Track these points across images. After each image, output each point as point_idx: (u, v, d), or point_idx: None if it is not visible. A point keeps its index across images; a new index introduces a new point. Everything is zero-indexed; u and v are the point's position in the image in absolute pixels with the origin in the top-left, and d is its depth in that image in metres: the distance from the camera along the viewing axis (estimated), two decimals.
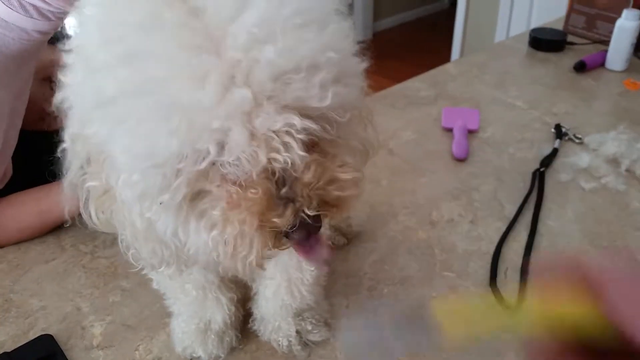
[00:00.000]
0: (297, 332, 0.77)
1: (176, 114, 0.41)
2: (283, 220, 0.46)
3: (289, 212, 0.46)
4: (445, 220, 1.00)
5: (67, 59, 0.47)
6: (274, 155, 0.44)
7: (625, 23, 1.48)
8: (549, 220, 1.00)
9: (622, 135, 1.17)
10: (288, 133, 0.43)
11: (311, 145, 0.47)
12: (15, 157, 0.92)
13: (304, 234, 0.48)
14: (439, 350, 0.76)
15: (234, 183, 0.46)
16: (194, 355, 0.76)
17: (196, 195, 0.47)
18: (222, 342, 0.77)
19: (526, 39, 1.71)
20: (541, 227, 0.98)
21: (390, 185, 1.10)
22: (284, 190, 0.46)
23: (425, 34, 5.03)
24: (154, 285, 0.76)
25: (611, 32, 1.54)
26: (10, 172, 0.92)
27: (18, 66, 0.85)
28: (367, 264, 0.91)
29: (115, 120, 0.43)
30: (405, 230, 0.98)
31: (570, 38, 1.69)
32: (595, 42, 1.68)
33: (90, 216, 0.55)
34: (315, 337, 0.77)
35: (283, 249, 0.51)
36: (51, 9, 0.75)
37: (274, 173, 0.46)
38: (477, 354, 0.76)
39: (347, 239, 0.95)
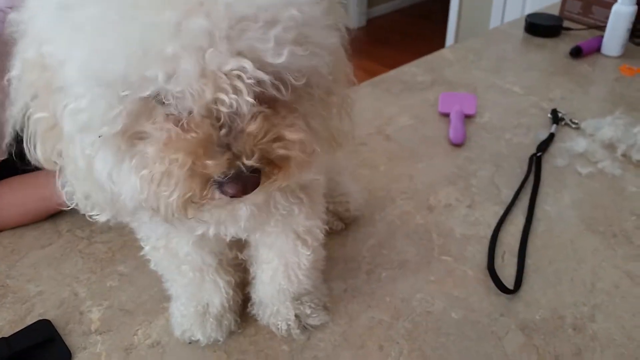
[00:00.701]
0: (296, 316, 0.77)
1: (134, 33, 0.40)
2: (217, 166, 0.45)
3: (224, 158, 0.45)
4: (442, 205, 1.00)
5: None
6: (220, 95, 0.42)
7: (622, 8, 1.47)
8: (546, 205, 1.00)
9: (618, 120, 1.17)
10: (239, 77, 0.42)
11: (262, 101, 0.46)
12: None
13: (238, 187, 0.46)
14: (438, 332, 0.76)
15: (176, 123, 0.45)
16: (193, 338, 0.76)
17: (134, 137, 0.46)
18: (221, 326, 0.77)
19: (522, 24, 1.71)
20: (538, 212, 0.98)
21: (388, 171, 1.10)
22: (222, 133, 0.44)
23: (420, 20, 5.01)
24: (152, 266, 0.75)
25: (607, 17, 1.54)
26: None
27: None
28: (365, 248, 0.91)
29: (75, 28, 0.42)
30: (403, 215, 0.98)
31: (566, 23, 1.69)
32: (591, 27, 1.67)
33: (33, 150, 0.53)
34: (314, 321, 0.77)
35: (213, 202, 0.49)
36: None
37: (218, 119, 0.44)
38: (476, 337, 0.76)
39: (345, 224, 0.95)
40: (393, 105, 1.33)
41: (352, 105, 0.60)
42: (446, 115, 1.26)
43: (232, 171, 0.45)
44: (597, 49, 1.56)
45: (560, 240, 0.92)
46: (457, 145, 1.16)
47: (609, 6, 1.61)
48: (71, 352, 0.75)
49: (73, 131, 0.47)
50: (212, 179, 0.45)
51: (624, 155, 1.11)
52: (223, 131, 0.44)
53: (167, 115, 0.45)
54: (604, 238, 0.93)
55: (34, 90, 0.49)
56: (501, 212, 0.97)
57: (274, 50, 0.42)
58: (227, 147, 0.45)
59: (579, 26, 1.70)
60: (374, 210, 0.99)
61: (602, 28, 1.58)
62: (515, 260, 0.88)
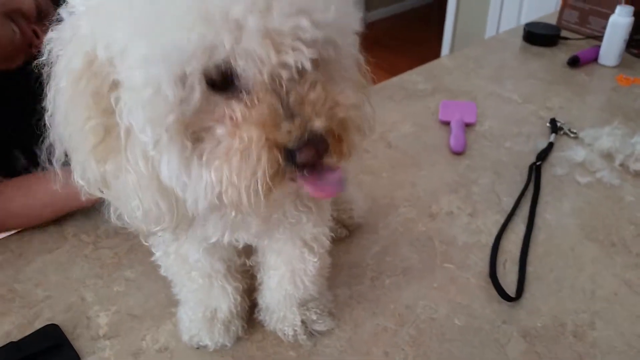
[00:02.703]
0: (302, 322, 0.78)
1: (195, 6, 0.41)
2: (290, 133, 0.45)
3: (296, 123, 0.45)
4: (444, 212, 1.01)
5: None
6: (285, 57, 0.44)
7: (618, 19, 1.49)
8: (546, 214, 1.01)
9: (616, 130, 1.19)
10: (298, 38, 0.44)
11: (315, 66, 0.47)
12: None
13: (312, 153, 0.46)
14: (442, 339, 0.78)
15: (239, 101, 0.46)
16: (201, 343, 0.77)
17: (199, 132, 0.47)
18: (229, 331, 0.78)
19: (520, 33, 1.72)
20: (538, 220, 1.00)
21: (391, 178, 1.11)
22: (291, 100, 0.46)
23: (417, 25, 5.04)
24: (162, 272, 0.76)
25: (604, 27, 1.56)
26: None
27: None
28: (369, 255, 0.92)
29: (131, 9, 0.43)
30: (406, 222, 0.99)
31: (563, 33, 1.71)
32: (588, 37, 1.70)
33: (78, 175, 0.53)
34: (320, 327, 0.79)
35: (291, 184, 0.49)
36: None
37: (281, 85, 0.46)
38: (480, 344, 0.77)
39: (349, 231, 0.96)
40: (395, 113, 1.34)
41: (369, 92, 0.63)
42: (447, 123, 1.28)
43: (306, 135, 0.46)
44: (595, 59, 1.58)
45: (560, 249, 0.94)
46: (458, 153, 1.18)
47: (605, 16, 1.63)
48: (80, 356, 0.76)
49: (136, 128, 0.47)
50: (287, 149, 0.46)
51: (621, 165, 1.13)
52: (290, 100, 0.46)
53: (228, 100, 0.46)
54: (603, 246, 0.94)
55: (84, 100, 0.48)
56: (502, 221, 0.99)
57: (323, 7, 0.44)
58: (292, 116, 0.46)
59: (576, 36, 1.72)
60: (377, 217, 1.00)
61: (599, 38, 1.60)
62: (516, 268, 0.90)
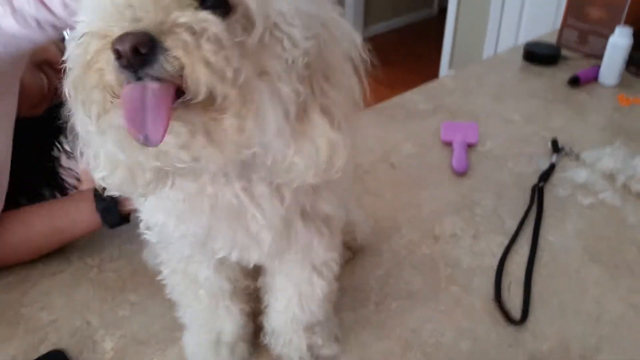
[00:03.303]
0: (309, 346, 0.78)
1: None
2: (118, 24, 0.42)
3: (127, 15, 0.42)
4: (448, 234, 1.02)
5: None
6: None
7: (618, 40, 1.51)
8: (549, 235, 1.02)
9: (617, 151, 1.20)
10: None
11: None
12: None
13: (127, 45, 0.41)
14: None
15: None
16: None
17: None
18: (234, 355, 0.78)
19: (520, 52, 1.74)
20: (542, 242, 1.00)
21: (393, 199, 1.12)
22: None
23: (415, 39, 5.07)
24: (167, 292, 0.77)
25: (603, 47, 1.57)
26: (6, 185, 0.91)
27: (17, 70, 0.86)
28: (373, 278, 0.92)
29: None
30: (409, 244, 0.99)
31: (563, 52, 1.72)
32: (588, 56, 1.71)
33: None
34: (326, 351, 0.79)
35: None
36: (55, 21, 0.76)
37: None
38: None
39: (353, 253, 0.96)
40: (397, 133, 1.35)
41: (353, 126, 0.57)
42: (449, 143, 1.28)
43: (133, 26, 0.42)
44: (595, 78, 1.59)
45: (564, 271, 0.94)
46: (461, 174, 1.18)
47: (604, 36, 1.65)
48: None
49: None
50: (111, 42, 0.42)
51: (623, 186, 1.13)
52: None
53: None
54: (607, 269, 0.95)
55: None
56: (506, 242, 0.99)
57: None
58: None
59: (576, 55, 1.73)
60: (381, 239, 1.01)
61: (599, 57, 1.61)
62: (521, 290, 0.90)
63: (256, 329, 0.82)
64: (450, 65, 4.06)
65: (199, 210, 0.60)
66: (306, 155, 0.53)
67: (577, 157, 1.23)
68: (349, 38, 0.55)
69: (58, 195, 1.11)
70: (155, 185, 0.56)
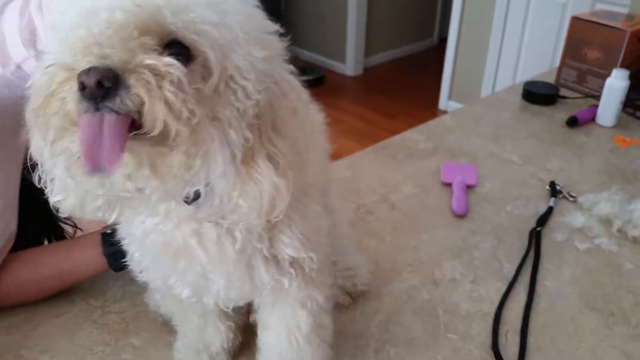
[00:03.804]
0: None
1: None
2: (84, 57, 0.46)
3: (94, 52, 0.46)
4: (447, 279, 1.03)
5: None
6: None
7: (615, 82, 1.54)
8: (547, 281, 1.03)
9: (614, 196, 1.22)
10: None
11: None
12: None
13: (92, 78, 0.44)
14: None
15: None
16: None
17: None
18: None
19: (519, 91, 1.77)
20: (539, 288, 1.02)
21: (393, 241, 1.13)
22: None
23: (415, 70, 5.13)
24: (161, 310, 0.85)
25: (601, 87, 1.60)
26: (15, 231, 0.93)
27: None
28: (373, 324, 0.93)
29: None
30: (410, 289, 1.01)
31: (562, 91, 1.75)
32: (586, 95, 1.74)
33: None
34: None
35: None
36: None
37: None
38: None
39: (352, 298, 0.97)
40: (397, 172, 1.37)
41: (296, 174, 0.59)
42: (448, 184, 1.30)
43: (97, 62, 0.46)
44: (592, 119, 1.62)
45: (560, 318, 0.95)
46: (460, 216, 1.20)
47: (602, 77, 1.68)
48: None
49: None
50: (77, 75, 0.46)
51: (619, 231, 1.15)
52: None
53: None
54: (603, 316, 0.96)
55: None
56: (503, 288, 1.01)
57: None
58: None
59: (575, 94, 1.76)
60: (381, 283, 1.02)
61: (597, 97, 1.64)
62: (518, 338, 0.91)
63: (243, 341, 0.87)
64: (450, 95, 4.11)
65: (153, 247, 0.65)
66: (250, 198, 0.57)
67: (575, 200, 1.25)
68: (297, 94, 0.61)
69: None
70: (103, 212, 0.61)
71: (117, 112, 0.46)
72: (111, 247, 0.90)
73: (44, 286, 0.94)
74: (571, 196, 1.26)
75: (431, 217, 1.21)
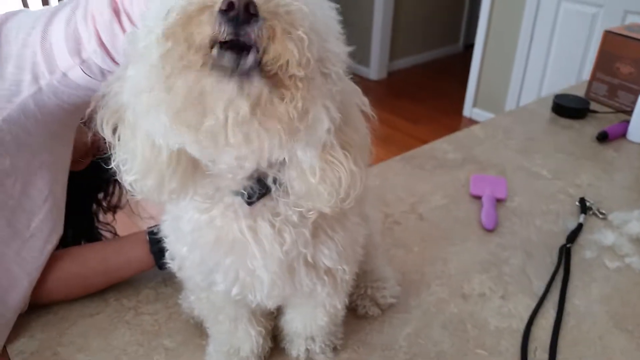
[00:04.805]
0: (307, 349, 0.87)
1: None
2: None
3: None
4: (476, 294, 1.03)
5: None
6: None
7: None
8: (575, 299, 1.03)
9: None
10: None
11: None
12: None
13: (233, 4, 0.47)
14: None
15: None
16: None
17: None
18: None
19: (549, 104, 1.76)
20: (568, 306, 1.01)
21: (422, 253, 1.14)
22: None
23: (439, 75, 5.11)
24: (195, 312, 0.88)
25: (632, 102, 1.59)
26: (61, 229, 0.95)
27: (76, 120, 0.91)
28: (402, 336, 0.94)
29: None
30: (438, 302, 1.01)
31: (592, 105, 1.74)
32: (617, 110, 1.73)
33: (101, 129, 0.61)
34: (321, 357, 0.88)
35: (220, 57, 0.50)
36: None
37: None
38: None
39: (382, 310, 0.98)
40: (426, 183, 1.38)
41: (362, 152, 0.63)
42: (477, 197, 1.31)
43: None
44: (623, 134, 1.61)
45: (589, 337, 0.95)
46: (489, 230, 1.20)
47: (634, 92, 1.67)
48: None
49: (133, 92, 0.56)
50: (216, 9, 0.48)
51: None
52: None
53: None
54: (632, 337, 0.96)
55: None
56: (533, 305, 1.00)
57: None
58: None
59: (605, 109, 1.75)
60: (409, 295, 1.02)
61: (629, 112, 1.63)
62: (546, 356, 0.91)
63: (272, 347, 0.90)
64: (475, 103, 4.09)
65: (204, 242, 0.67)
66: (329, 184, 0.60)
67: (605, 218, 1.24)
68: (358, 94, 0.64)
69: None
70: (177, 194, 0.62)
71: (250, 42, 0.48)
72: (157, 244, 0.92)
73: (90, 283, 0.97)
74: (601, 213, 1.25)
75: (460, 229, 1.21)
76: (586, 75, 3.29)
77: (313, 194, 0.61)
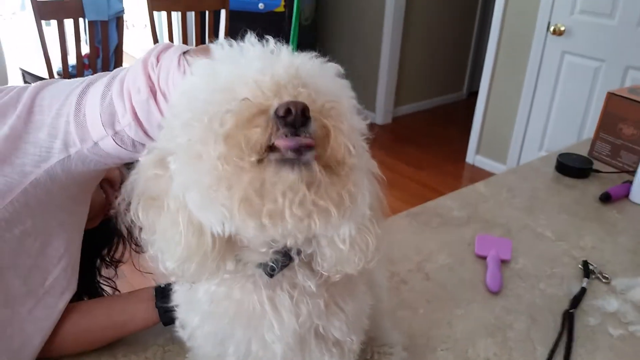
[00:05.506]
0: None
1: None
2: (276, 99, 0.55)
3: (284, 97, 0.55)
4: (482, 359, 1.04)
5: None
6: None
7: None
8: None
9: None
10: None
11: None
12: None
13: (289, 108, 0.52)
14: None
15: None
16: None
17: None
18: None
19: (553, 162, 1.79)
20: None
21: (427, 315, 1.15)
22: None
23: (443, 122, 5.18)
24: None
25: (635, 162, 1.62)
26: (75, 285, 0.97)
27: (96, 183, 0.93)
28: None
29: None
30: None
31: (595, 164, 1.77)
32: (621, 170, 1.76)
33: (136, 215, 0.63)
34: None
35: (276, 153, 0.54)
36: None
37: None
38: None
39: None
40: (431, 240, 1.39)
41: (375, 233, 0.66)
42: (482, 257, 1.32)
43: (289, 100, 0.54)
44: (626, 195, 1.63)
45: None
46: (495, 293, 1.21)
47: (637, 153, 1.70)
48: None
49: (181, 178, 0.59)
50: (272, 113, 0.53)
51: None
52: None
53: None
54: None
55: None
56: None
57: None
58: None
59: (608, 168, 1.78)
60: (416, 359, 1.03)
61: (631, 172, 1.66)
62: None
63: None
64: (478, 150, 4.13)
65: (221, 314, 0.68)
66: (357, 250, 0.64)
67: (608, 282, 1.26)
68: (369, 158, 0.67)
69: None
70: (215, 274, 0.64)
71: (311, 142, 0.54)
72: (163, 300, 0.93)
73: (98, 337, 0.98)
74: (604, 277, 1.27)
75: (465, 291, 1.22)
76: (589, 125, 3.34)
77: (343, 261, 0.64)
